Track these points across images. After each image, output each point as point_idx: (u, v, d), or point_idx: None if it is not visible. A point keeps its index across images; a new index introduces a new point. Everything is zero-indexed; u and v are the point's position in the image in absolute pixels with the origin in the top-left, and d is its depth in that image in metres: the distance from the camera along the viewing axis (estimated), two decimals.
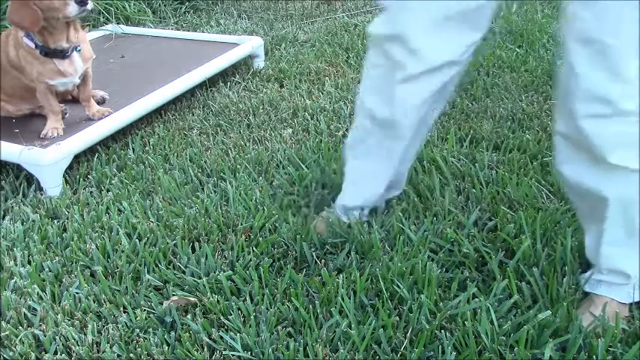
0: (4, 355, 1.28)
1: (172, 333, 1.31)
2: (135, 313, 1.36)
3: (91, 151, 2.07)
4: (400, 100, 1.36)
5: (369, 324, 1.28)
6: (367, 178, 1.57)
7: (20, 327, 1.35)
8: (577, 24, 1.18)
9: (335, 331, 1.29)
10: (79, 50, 2.00)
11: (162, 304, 1.38)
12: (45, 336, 1.31)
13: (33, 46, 1.91)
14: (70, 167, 1.94)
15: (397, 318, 1.32)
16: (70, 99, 2.26)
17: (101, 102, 2.25)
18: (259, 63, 2.89)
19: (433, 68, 1.30)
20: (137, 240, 1.59)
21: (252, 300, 1.40)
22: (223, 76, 2.75)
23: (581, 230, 1.42)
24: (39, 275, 1.50)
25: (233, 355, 1.25)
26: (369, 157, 1.52)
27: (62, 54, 1.95)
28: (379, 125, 1.43)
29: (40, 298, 1.43)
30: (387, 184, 1.57)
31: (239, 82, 2.71)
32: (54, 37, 1.91)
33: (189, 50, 2.81)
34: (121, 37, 3.07)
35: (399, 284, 1.39)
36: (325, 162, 1.94)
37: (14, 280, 1.48)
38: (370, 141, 1.48)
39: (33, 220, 1.72)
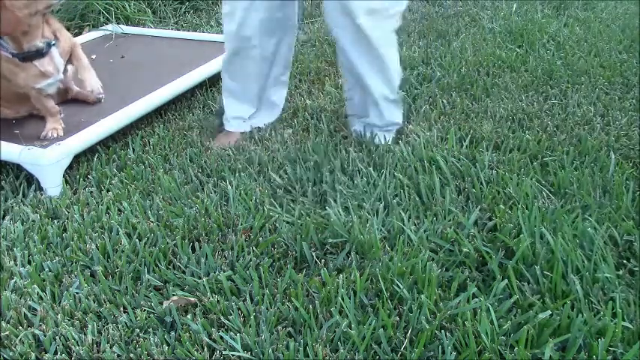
0: (4, 355, 1.28)
1: (172, 333, 1.31)
2: (135, 313, 1.36)
3: (91, 151, 2.07)
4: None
5: (369, 324, 1.28)
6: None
7: (20, 327, 1.35)
8: None
9: (335, 331, 1.29)
10: (54, 44, 1.96)
11: (162, 304, 1.38)
12: (45, 336, 1.31)
13: (9, 55, 1.88)
14: (70, 167, 1.94)
15: (397, 318, 1.32)
16: (69, 99, 2.25)
17: (94, 102, 2.24)
18: None
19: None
20: (137, 240, 1.59)
21: (252, 300, 1.40)
22: None
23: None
24: (39, 275, 1.50)
25: (233, 355, 1.25)
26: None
27: (39, 53, 1.91)
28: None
29: (40, 298, 1.43)
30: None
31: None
32: (29, 36, 1.86)
33: (189, 50, 2.81)
34: (121, 37, 3.07)
35: (399, 284, 1.39)
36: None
37: (14, 280, 1.48)
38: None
39: (33, 220, 1.72)
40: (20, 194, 1.87)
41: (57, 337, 1.31)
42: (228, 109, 2.20)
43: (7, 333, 1.32)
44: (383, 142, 2.08)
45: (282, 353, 1.24)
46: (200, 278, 1.46)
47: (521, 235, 1.52)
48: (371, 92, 2.01)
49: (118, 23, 3.29)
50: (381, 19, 1.86)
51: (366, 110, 2.08)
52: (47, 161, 1.84)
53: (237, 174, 1.92)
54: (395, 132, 2.14)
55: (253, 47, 2.02)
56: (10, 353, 1.28)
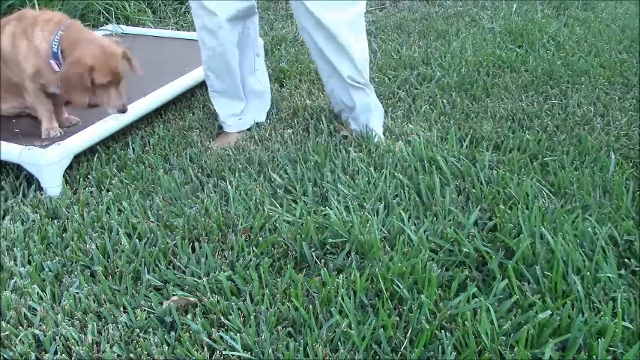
0: (4, 355, 1.28)
1: (172, 333, 1.31)
2: (135, 313, 1.36)
3: (91, 151, 2.07)
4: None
5: (369, 324, 1.28)
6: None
7: (20, 327, 1.35)
8: None
9: (335, 331, 1.29)
10: None
11: (162, 304, 1.38)
12: (45, 336, 1.31)
13: (56, 69, 1.89)
14: (70, 167, 1.94)
15: (397, 318, 1.32)
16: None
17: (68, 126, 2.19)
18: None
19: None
20: (137, 240, 1.59)
21: (252, 300, 1.40)
22: None
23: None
24: (39, 275, 1.50)
25: (233, 355, 1.25)
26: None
27: None
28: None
29: (40, 298, 1.43)
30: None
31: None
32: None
33: (189, 50, 2.80)
34: (121, 37, 3.07)
35: (399, 284, 1.39)
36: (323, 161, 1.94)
37: (14, 280, 1.47)
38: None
39: (33, 220, 1.72)
40: (20, 194, 1.87)
41: (57, 337, 1.31)
42: (222, 110, 2.22)
43: (7, 333, 1.32)
44: (378, 138, 2.10)
45: (282, 353, 1.24)
46: (200, 278, 1.46)
47: (521, 235, 1.52)
48: (342, 76, 2.06)
49: (118, 23, 3.29)
50: (336, 9, 1.95)
51: (349, 99, 2.12)
52: (47, 161, 1.84)
53: (237, 174, 1.92)
54: (383, 121, 2.19)
55: (227, 40, 2.06)
56: (10, 353, 1.28)
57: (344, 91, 2.10)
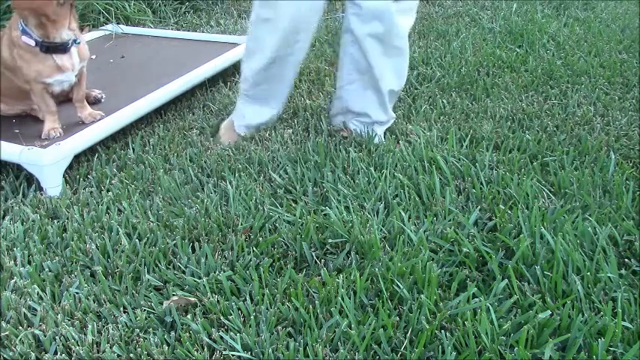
0: (4, 355, 1.28)
1: (172, 333, 1.31)
2: (135, 313, 1.36)
3: (91, 151, 2.07)
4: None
5: (369, 324, 1.28)
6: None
7: (20, 327, 1.35)
8: None
9: (335, 331, 1.29)
10: (79, 43, 1.99)
11: (162, 304, 1.38)
12: (45, 336, 1.31)
13: (33, 43, 1.89)
14: (70, 167, 1.94)
15: (397, 318, 1.32)
16: (70, 98, 2.25)
17: (95, 102, 2.24)
18: None
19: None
20: (137, 240, 1.59)
21: (252, 300, 1.40)
22: (223, 76, 2.75)
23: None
24: (39, 275, 1.50)
25: (233, 355, 1.25)
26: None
27: (63, 47, 1.93)
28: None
29: (40, 298, 1.43)
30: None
31: (239, 82, 2.71)
32: (57, 25, 1.87)
33: (189, 50, 2.81)
34: (121, 37, 3.07)
35: (399, 284, 1.39)
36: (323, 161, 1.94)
37: (14, 280, 1.47)
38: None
39: (33, 220, 1.72)
40: (20, 194, 1.87)
41: (57, 337, 1.31)
42: (252, 116, 2.16)
43: (7, 333, 1.32)
44: (379, 140, 2.09)
45: (282, 353, 1.24)
46: (200, 278, 1.46)
47: (521, 235, 1.52)
48: (380, 87, 2.02)
49: (118, 23, 3.29)
50: (406, 15, 1.93)
51: (364, 107, 2.09)
52: (47, 161, 1.84)
53: (237, 174, 1.92)
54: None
55: (299, 49, 2.00)
56: (10, 353, 1.28)
57: (360, 97, 2.06)
